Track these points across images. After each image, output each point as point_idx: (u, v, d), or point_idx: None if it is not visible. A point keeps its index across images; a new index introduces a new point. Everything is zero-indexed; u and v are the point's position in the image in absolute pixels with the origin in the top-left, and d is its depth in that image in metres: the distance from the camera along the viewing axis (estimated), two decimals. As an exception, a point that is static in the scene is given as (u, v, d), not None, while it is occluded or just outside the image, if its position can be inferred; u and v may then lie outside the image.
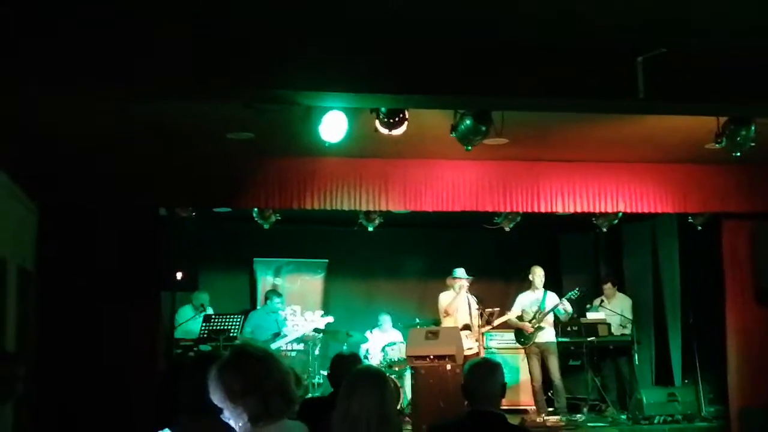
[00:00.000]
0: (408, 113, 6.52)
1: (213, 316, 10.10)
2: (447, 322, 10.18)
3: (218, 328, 9.79)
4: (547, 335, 10.30)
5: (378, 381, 3.49)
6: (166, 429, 3.12)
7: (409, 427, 8.88)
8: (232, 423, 2.81)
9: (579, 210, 9.12)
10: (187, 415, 3.09)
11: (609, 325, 10.79)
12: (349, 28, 5.45)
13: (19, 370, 4.52)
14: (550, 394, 10.30)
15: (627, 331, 10.94)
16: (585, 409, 10.25)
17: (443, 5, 5.21)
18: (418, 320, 11.25)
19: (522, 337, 10.40)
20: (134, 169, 8.21)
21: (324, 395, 7.84)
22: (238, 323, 10.00)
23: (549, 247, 12.87)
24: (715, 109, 6.66)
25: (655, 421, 9.59)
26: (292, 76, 5.68)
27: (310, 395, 9.81)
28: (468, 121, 6.56)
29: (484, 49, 5.74)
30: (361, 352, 10.69)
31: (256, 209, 9.18)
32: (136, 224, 8.38)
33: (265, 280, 12.38)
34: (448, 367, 8.78)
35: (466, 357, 9.00)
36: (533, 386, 10.29)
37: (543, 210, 9.06)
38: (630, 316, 11.02)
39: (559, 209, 9.10)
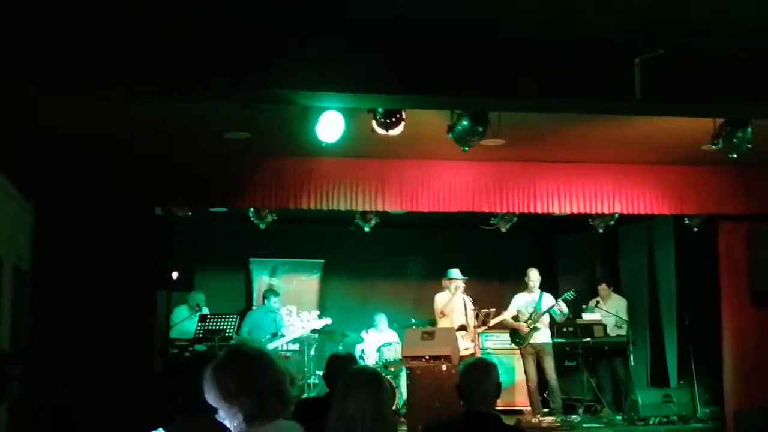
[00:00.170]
0: (405, 114, 6.52)
1: (208, 316, 10.08)
2: (443, 323, 10.17)
3: (214, 328, 9.78)
4: (543, 336, 10.30)
5: (373, 381, 3.48)
6: (161, 429, 3.11)
7: (405, 427, 8.87)
8: (227, 423, 2.80)
9: (575, 211, 9.13)
10: (182, 414, 3.09)
11: (605, 326, 10.80)
12: (347, 28, 5.45)
13: (14, 369, 4.51)
14: (545, 394, 10.31)
15: (622, 332, 10.94)
16: (580, 410, 10.26)
17: (441, 5, 5.21)
18: (413, 321, 11.25)
19: (517, 337, 10.39)
20: (130, 169, 8.20)
21: (319, 395, 7.84)
22: (233, 323, 9.98)
23: (545, 248, 12.89)
24: (711, 110, 6.67)
25: (651, 422, 9.60)
26: (290, 76, 5.68)
27: (305, 395, 9.80)
28: (465, 122, 6.56)
29: (481, 50, 5.75)
30: (357, 353, 10.69)
31: (252, 209, 9.18)
32: (132, 224, 8.36)
33: (261, 280, 12.37)
34: (444, 367, 8.78)
35: (461, 357, 8.99)
36: (529, 387, 10.29)
37: (539, 211, 9.07)
38: (625, 317, 11.03)
39: (556, 210, 9.10)
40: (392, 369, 10.34)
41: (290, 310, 11.78)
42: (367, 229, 9.68)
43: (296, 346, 10.90)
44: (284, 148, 8.31)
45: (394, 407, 9.36)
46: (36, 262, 8.16)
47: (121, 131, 7.50)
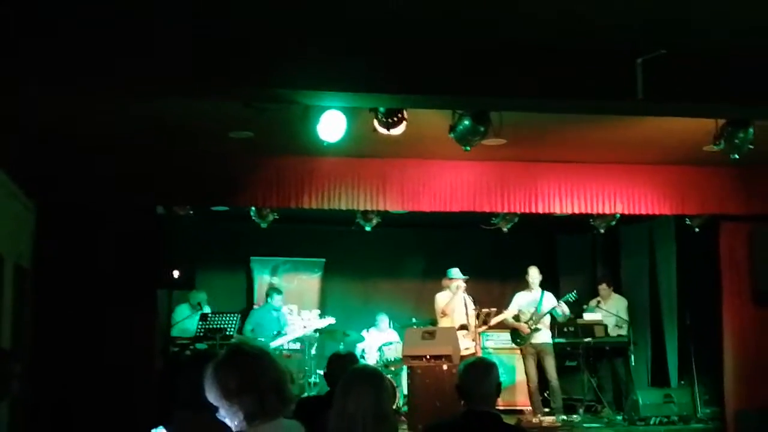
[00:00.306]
0: (406, 113, 6.52)
1: (209, 315, 10.09)
2: (444, 323, 10.17)
3: (215, 326, 9.78)
4: (544, 336, 10.30)
5: (374, 380, 3.49)
6: (161, 427, 3.12)
7: (405, 426, 8.88)
8: (227, 421, 2.81)
9: (577, 211, 9.12)
10: (183, 413, 3.10)
11: (605, 326, 10.79)
12: (349, 27, 5.45)
13: (15, 367, 4.51)
14: (546, 394, 10.30)
15: (623, 332, 10.94)
16: (581, 410, 10.26)
17: (443, 5, 5.21)
18: (414, 320, 11.25)
19: (518, 337, 10.39)
20: (132, 168, 8.20)
21: (320, 394, 7.84)
22: (234, 322, 9.99)
23: (546, 248, 12.88)
24: (713, 111, 6.66)
25: (651, 422, 9.59)
26: (292, 76, 5.68)
27: (305, 394, 9.80)
28: (466, 122, 6.56)
29: (483, 50, 5.75)
30: (358, 352, 10.69)
31: (253, 208, 9.18)
32: (134, 222, 8.36)
33: (262, 279, 12.38)
34: (445, 367, 8.79)
35: (462, 357, 9.00)
36: (529, 387, 10.29)
37: (541, 211, 9.06)
38: (625, 317, 11.03)
39: (557, 210, 9.10)
40: (393, 368, 10.35)
41: (291, 309, 11.80)
42: (368, 229, 9.68)
43: (297, 345, 10.91)
44: (286, 148, 8.30)
45: (394, 406, 9.36)
46: (37, 260, 8.16)
47: (123, 130, 7.50)
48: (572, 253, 13.01)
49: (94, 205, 8.22)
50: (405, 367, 9.60)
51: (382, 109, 6.48)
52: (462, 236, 11.74)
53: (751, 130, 6.84)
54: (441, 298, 10.42)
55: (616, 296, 11.36)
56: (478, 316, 10.20)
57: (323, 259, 12.56)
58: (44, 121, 7.04)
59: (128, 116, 7.11)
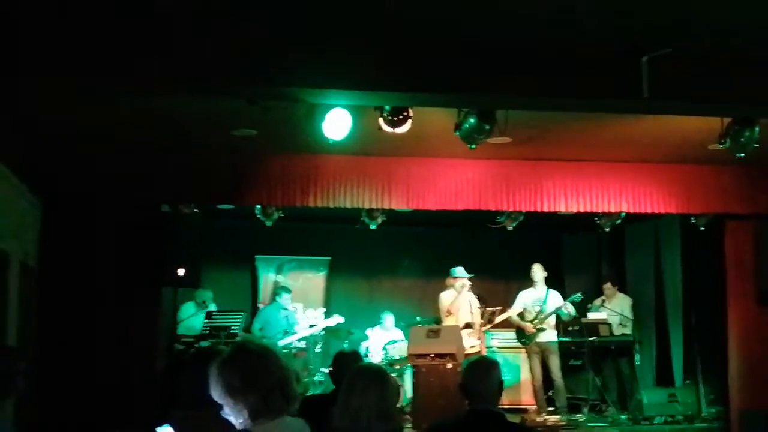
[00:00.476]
0: (412, 111, 6.52)
1: (214, 313, 10.10)
2: (449, 322, 10.16)
3: (220, 324, 9.79)
4: (549, 335, 10.28)
5: (379, 377, 3.49)
6: (167, 425, 3.12)
7: (410, 425, 8.88)
8: (232, 419, 2.81)
9: (582, 210, 9.11)
10: (186, 410, 3.10)
11: (610, 325, 10.78)
12: (355, 25, 5.45)
13: (20, 365, 4.52)
14: (550, 393, 10.29)
15: (627, 331, 10.93)
16: (585, 409, 10.25)
17: (450, 4, 5.20)
18: (419, 318, 11.25)
19: (523, 336, 10.38)
20: (136, 166, 8.22)
21: (324, 393, 7.84)
22: (239, 320, 10.00)
23: (552, 247, 12.86)
24: (719, 109, 6.65)
25: (655, 422, 9.59)
26: (298, 74, 5.68)
27: (310, 392, 9.81)
28: (472, 120, 6.55)
29: (488, 48, 5.74)
30: (362, 350, 10.69)
31: (258, 206, 9.18)
32: (139, 221, 8.38)
33: (267, 277, 12.39)
34: (449, 365, 8.79)
35: (467, 355, 9.00)
36: (534, 385, 10.29)
37: (546, 209, 9.05)
38: (630, 316, 11.01)
39: (562, 209, 9.09)
40: (398, 367, 10.35)
41: (296, 308, 11.81)
42: (373, 227, 9.67)
43: (302, 344, 10.92)
44: (291, 146, 8.30)
45: (398, 405, 9.36)
46: (43, 258, 8.18)
47: (129, 128, 7.51)
48: (577, 251, 13.01)
49: (100, 203, 8.24)
50: (409, 366, 9.60)
51: (387, 107, 6.47)
52: (467, 235, 11.74)
53: (757, 128, 6.83)
54: (445, 297, 10.41)
55: (620, 295, 11.34)
56: (482, 315, 10.19)
57: (328, 258, 12.57)
58: (50, 119, 7.05)
59: (133, 114, 7.12)
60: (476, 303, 10.21)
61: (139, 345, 8.16)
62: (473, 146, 6.75)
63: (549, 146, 8.44)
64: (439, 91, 5.98)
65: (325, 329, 10.99)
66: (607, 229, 10.12)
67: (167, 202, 8.79)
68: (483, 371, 4.09)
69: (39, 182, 7.89)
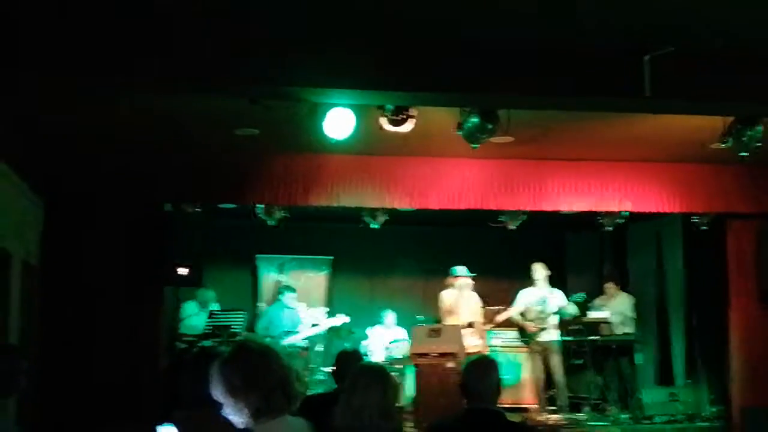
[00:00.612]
0: (414, 110, 6.51)
1: (217, 312, 10.11)
2: (450, 321, 10.16)
3: (222, 324, 9.79)
4: (550, 335, 10.28)
5: (380, 376, 3.50)
6: (170, 424, 3.12)
7: (411, 424, 8.87)
8: (233, 418, 2.81)
9: (584, 209, 9.12)
10: (187, 409, 3.10)
11: (611, 324, 10.77)
12: (357, 25, 5.45)
13: (23, 363, 4.52)
14: (552, 392, 10.29)
15: (629, 330, 10.92)
16: (587, 408, 10.25)
17: (450, 3, 5.20)
18: (422, 317, 11.23)
19: (525, 335, 10.39)
20: (139, 165, 8.23)
21: (326, 392, 7.84)
22: (242, 319, 10.00)
23: (554, 246, 12.83)
24: (722, 108, 6.64)
25: (657, 421, 9.59)
26: (298, 73, 5.68)
27: (311, 392, 9.80)
28: (474, 119, 6.54)
29: (490, 48, 5.73)
30: (362, 349, 10.67)
31: (261, 206, 9.18)
32: (141, 220, 8.39)
33: (268, 277, 12.38)
34: (450, 365, 8.79)
35: (469, 354, 8.99)
36: (535, 385, 10.28)
37: (548, 209, 9.06)
38: (632, 315, 11.00)
39: (564, 208, 9.09)
40: (399, 366, 10.34)
41: (298, 306, 11.79)
42: (375, 226, 9.66)
43: (304, 343, 10.92)
44: (293, 145, 8.30)
45: (399, 404, 9.35)
46: (45, 257, 8.19)
47: (129, 128, 7.51)
48: (580, 250, 13.00)
49: (102, 202, 8.24)
50: (411, 365, 9.59)
51: (389, 107, 6.46)
52: (469, 234, 11.72)
53: (759, 127, 6.81)
54: (446, 297, 10.40)
55: (622, 294, 11.33)
56: (484, 314, 10.19)
57: (330, 257, 12.56)
58: (51, 119, 7.05)
59: (134, 114, 7.12)
60: (479, 302, 10.20)
61: (139, 345, 8.18)
62: (475, 145, 6.74)
63: (551, 145, 8.43)
64: (440, 90, 5.98)
65: (327, 328, 10.98)
66: (609, 229, 10.11)
67: (169, 201, 8.80)
68: (482, 371, 4.10)
69: (41, 181, 7.90)
